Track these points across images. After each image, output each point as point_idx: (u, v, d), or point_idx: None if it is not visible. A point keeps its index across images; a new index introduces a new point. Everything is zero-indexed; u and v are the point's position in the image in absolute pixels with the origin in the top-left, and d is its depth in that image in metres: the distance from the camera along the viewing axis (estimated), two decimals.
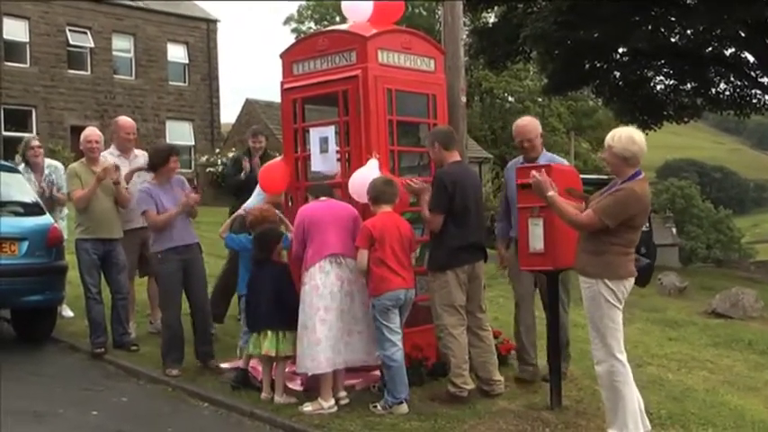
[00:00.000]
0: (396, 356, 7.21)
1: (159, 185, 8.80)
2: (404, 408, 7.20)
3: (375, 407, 7.26)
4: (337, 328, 7.32)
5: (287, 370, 7.75)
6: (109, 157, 10.07)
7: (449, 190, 7.54)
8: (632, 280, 6.54)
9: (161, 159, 8.87)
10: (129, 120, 10.59)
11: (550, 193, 6.63)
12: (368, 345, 7.50)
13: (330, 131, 8.26)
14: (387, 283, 7.25)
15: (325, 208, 7.58)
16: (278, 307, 7.64)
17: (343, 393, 7.54)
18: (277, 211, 8.36)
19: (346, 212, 7.64)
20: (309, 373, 7.42)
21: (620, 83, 27.81)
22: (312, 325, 7.29)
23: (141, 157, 10.36)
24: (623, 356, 6.52)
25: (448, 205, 7.54)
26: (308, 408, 7.28)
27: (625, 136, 6.47)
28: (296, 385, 7.92)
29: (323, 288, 7.31)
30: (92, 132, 9.91)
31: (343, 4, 9.00)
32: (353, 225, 7.59)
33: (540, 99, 54.77)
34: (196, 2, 43.98)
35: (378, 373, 7.68)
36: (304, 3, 66.82)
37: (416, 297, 7.76)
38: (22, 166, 11.10)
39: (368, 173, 7.72)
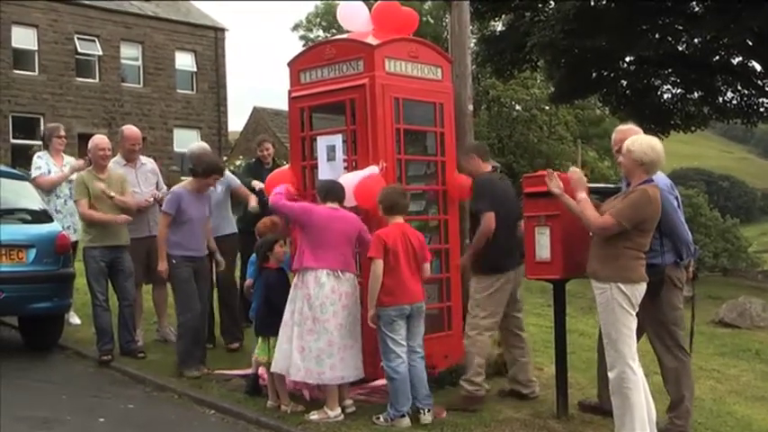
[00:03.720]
0: (399, 369, 7.14)
1: (192, 192, 8.94)
2: (406, 421, 7.14)
3: (378, 418, 7.22)
4: (327, 341, 7.23)
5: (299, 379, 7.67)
6: (114, 165, 10.09)
7: (494, 192, 7.70)
8: (644, 285, 6.54)
9: (203, 171, 8.96)
10: (135, 130, 10.59)
11: (582, 195, 6.68)
12: (356, 360, 7.45)
13: (337, 140, 8.27)
14: (394, 296, 7.18)
15: (334, 219, 7.45)
16: (269, 314, 7.67)
17: (348, 402, 7.53)
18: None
19: (353, 226, 7.56)
20: (285, 375, 7.44)
21: (627, 91, 27.79)
22: (299, 332, 7.28)
23: (149, 164, 10.49)
24: (635, 364, 6.53)
25: (495, 206, 7.62)
26: (314, 416, 7.26)
27: (645, 142, 6.59)
28: (312, 392, 7.89)
29: (314, 299, 7.25)
30: (102, 140, 9.91)
31: (338, 11, 9.07)
32: (358, 237, 7.57)
33: (547, 107, 54.71)
34: (203, 2, 44.08)
35: (382, 382, 7.68)
36: (312, 10, 67.03)
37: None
38: (41, 153, 11.29)
39: (354, 177, 7.81)
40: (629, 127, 7.31)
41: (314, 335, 7.23)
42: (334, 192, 7.58)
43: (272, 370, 7.55)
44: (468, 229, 8.43)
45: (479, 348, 7.81)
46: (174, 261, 8.92)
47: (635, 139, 6.63)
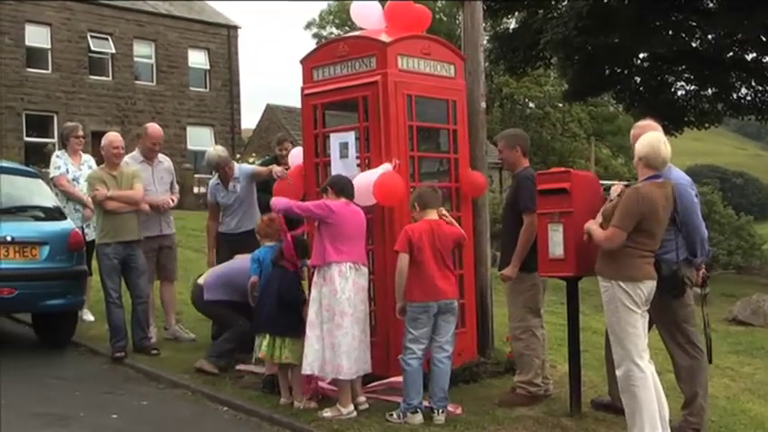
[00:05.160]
0: (411, 362, 7.14)
1: None
2: (418, 417, 7.14)
3: (391, 415, 7.20)
4: (351, 335, 7.25)
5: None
6: (131, 161, 10.12)
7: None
8: (650, 283, 6.53)
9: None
10: (158, 129, 10.59)
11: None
12: (365, 353, 7.46)
13: (350, 137, 8.27)
14: (418, 293, 7.18)
15: (351, 213, 7.46)
16: (280, 313, 7.62)
17: (362, 399, 7.52)
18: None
19: (364, 220, 7.60)
20: (329, 378, 7.39)
21: (641, 88, 27.74)
22: (329, 329, 7.24)
23: (165, 162, 10.52)
24: (642, 362, 6.51)
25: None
26: (327, 413, 7.25)
27: (641, 138, 6.67)
28: (323, 390, 7.85)
29: (341, 293, 7.23)
30: (116, 138, 9.90)
31: (351, 9, 9.06)
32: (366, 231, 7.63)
33: (560, 105, 54.70)
34: (216, 1, 44.15)
35: (399, 378, 7.67)
36: (325, 7, 67.05)
37: None
38: (59, 152, 11.36)
39: (370, 176, 7.81)
40: (648, 123, 7.30)
41: (342, 329, 7.22)
42: (346, 187, 7.58)
43: (307, 372, 7.41)
44: (504, 231, 8.23)
45: (536, 349, 7.84)
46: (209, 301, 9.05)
47: (642, 136, 6.67)
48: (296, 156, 9.13)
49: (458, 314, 7.76)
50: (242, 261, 8.91)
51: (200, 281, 9.21)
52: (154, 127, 10.63)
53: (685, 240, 6.89)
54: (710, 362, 7.33)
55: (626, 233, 6.41)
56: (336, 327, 7.22)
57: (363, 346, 7.41)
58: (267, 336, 7.67)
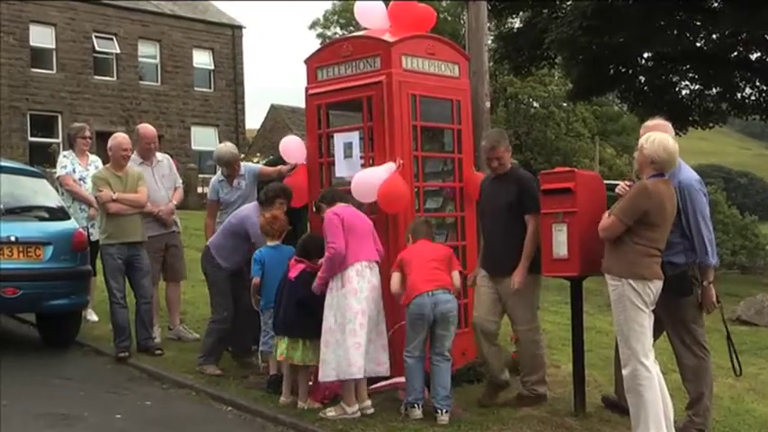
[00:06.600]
0: (408, 360, 7.25)
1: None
2: (416, 413, 7.18)
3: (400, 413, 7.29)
4: (367, 336, 7.24)
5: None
6: (131, 163, 10.10)
7: None
8: (659, 283, 6.51)
9: (267, 199, 8.67)
10: (150, 129, 10.59)
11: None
12: (378, 354, 7.42)
13: (354, 137, 8.27)
14: (411, 291, 7.20)
15: (355, 215, 7.46)
16: (299, 314, 7.58)
17: (367, 403, 7.42)
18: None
19: (369, 220, 7.59)
20: (347, 378, 7.25)
21: (645, 88, 27.68)
22: (352, 329, 7.16)
23: (165, 160, 10.52)
24: (648, 361, 6.51)
25: None
26: (331, 413, 7.25)
27: (658, 141, 6.55)
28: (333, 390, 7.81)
29: (360, 292, 7.21)
30: (125, 139, 9.87)
31: (355, 9, 9.04)
32: (374, 233, 7.57)
33: (564, 104, 54.60)
34: (221, 1, 44.16)
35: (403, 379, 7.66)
36: (330, 7, 67.05)
37: None
38: (67, 152, 11.38)
39: (375, 173, 7.80)
40: (657, 122, 7.25)
41: (364, 328, 7.20)
42: (339, 195, 7.60)
43: (328, 379, 7.31)
44: (500, 232, 7.94)
45: (543, 348, 7.88)
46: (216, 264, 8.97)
47: (649, 137, 6.62)
48: (288, 146, 9.09)
49: (461, 314, 7.76)
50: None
51: (209, 242, 9.25)
52: (146, 127, 10.65)
53: (696, 242, 6.84)
54: (740, 373, 7.41)
55: (625, 226, 6.41)
56: (360, 326, 7.18)
57: (375, 346, 7.37)
58: (286, 338, 7.65)
